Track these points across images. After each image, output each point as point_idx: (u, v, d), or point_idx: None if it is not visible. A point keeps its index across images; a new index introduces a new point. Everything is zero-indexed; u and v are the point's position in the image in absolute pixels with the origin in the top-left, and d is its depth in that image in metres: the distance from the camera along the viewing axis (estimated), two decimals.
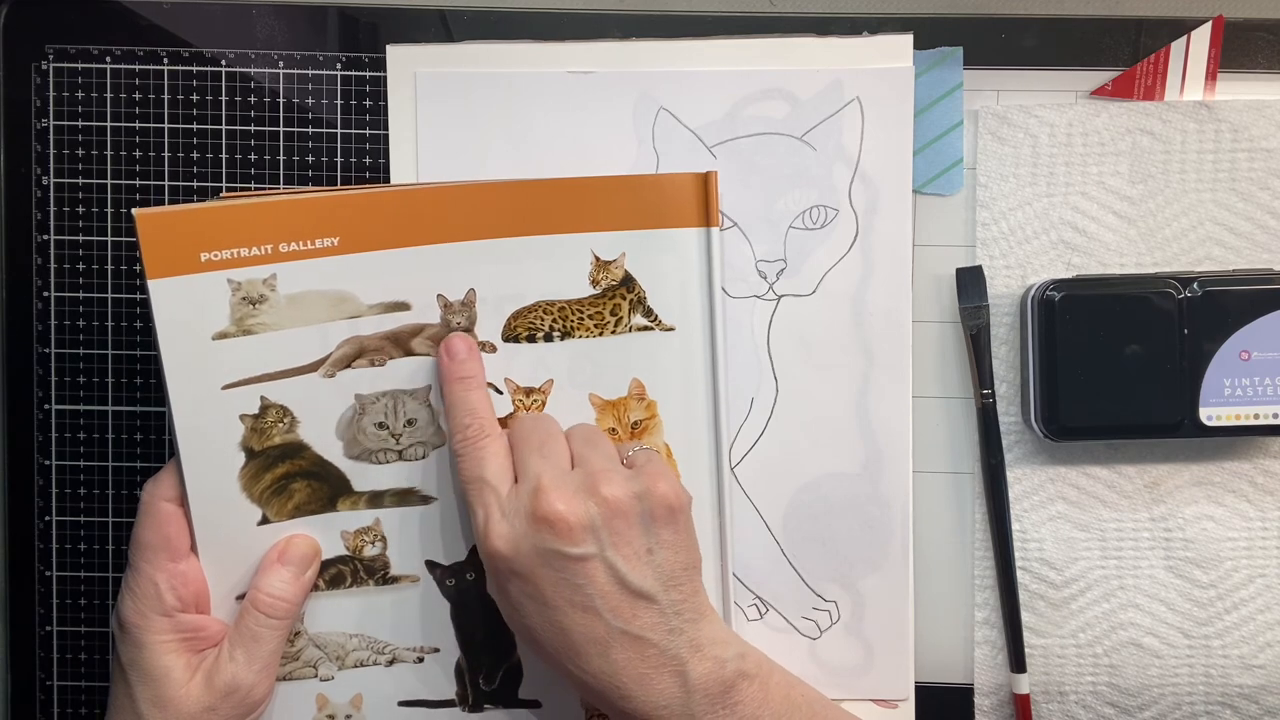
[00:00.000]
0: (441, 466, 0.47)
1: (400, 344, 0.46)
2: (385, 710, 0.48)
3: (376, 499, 0.47)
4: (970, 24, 0.50)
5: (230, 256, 0.43)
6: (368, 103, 0.50)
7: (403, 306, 0.46)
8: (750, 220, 0.49)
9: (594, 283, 0.47)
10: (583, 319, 0.47)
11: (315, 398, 0.45)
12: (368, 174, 0.50)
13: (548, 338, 0.47)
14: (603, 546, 0.40)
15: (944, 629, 0.51)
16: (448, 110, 0.49)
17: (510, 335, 0.47)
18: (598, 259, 0.46)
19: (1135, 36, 0.50)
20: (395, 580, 0.47)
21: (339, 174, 0.50)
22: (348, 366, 0.45)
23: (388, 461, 0.46)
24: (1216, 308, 0.47)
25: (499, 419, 0.47)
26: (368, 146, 0.50)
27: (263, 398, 0.45)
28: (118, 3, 0.50)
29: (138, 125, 0.50)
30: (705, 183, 0.46)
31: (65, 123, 0.50)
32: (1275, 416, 0.47)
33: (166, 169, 0.50)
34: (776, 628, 0.50)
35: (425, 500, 0.47)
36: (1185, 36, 0.49)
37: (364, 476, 0.46)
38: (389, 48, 0.49)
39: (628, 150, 0.49)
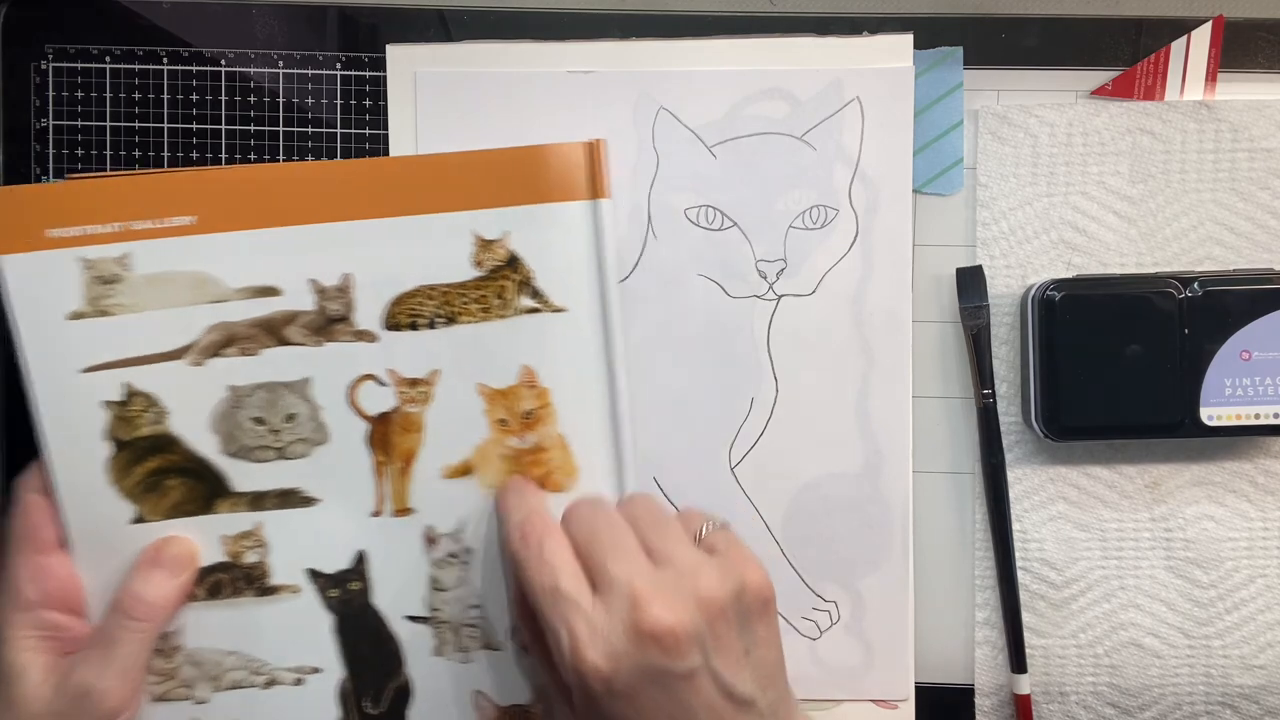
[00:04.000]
0: (326, 466, 0.45)
1: (273, 332, 0.44)
2: None
3: (258, 500, 0.45)
4: (970, 24, 0.50)
5: (79, 234, 0.43)
6: (367, 102, 0.50)
7: (272, 291, 0.44)
8: (750, 220, 0.49)
9: (478, 264, 0.44)
10: (467, 303, 0.44)
11: (184, 387, 0.44)
12: None
13: (431, 324, 0.44)
14: (707, 656, 0.37)
15: (944, 629, 0.51)
16: (448, 110, 0.49)
17: (392, 323, 0.44)
18: (480, 238, 0.44)
19: (1135, 36, 0.50)
20: (274, 590, 0.45)
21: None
22: (216, 354, 0.44)
23: (268, 460, 0.44)
24: (1217, 308, 0.47)
25: (383, 414, 0.45)
26: (368, 146, 0.50)
27: (127, 384, 0.43)
28: (118, 3, 0.50)
29: (138, 125, 0.50)
30: (592, 152, 0.44)
31: (65, 123, 0.50)
32: (1276, 416, 0.47)
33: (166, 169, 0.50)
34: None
35: (308, 502, 0.45)
36: (1185, 36, 0.49)
37: (244, 476, 0.44)
38: (389, 47, 0.49)
39: (628, 150, 0.49)
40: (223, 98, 0.50)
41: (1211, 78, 0.49)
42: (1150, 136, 0.49)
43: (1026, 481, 0.50)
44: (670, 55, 0.49)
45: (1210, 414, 0.47)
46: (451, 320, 0.44)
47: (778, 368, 0.49)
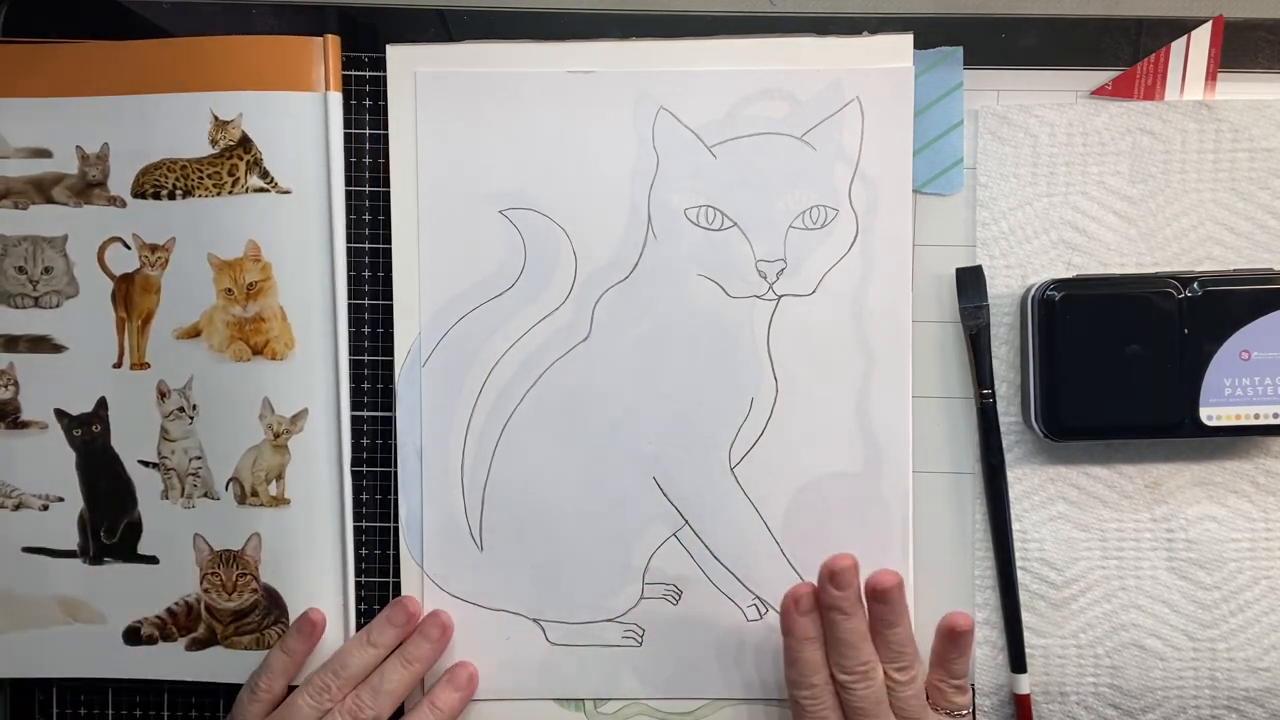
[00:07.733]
0: (75, 317, 0.50)
1: (42, 190, 0.49)
2: (8, 554, 0.51)
3: (12, 343, 0.50)
4: (970, 24, 0.50)
5: None
6: (367, 103, 0.50)
7: (45, 154, 0.49)
8: (750, 220, 0.49)
9: (213, 142, 0.48)
10: (202, 178, 0.49)
11: None
12: (368, 173, 0.50)
13: (171, 195, 0.49)
14: None
15: None
16: (448, 110, 0.49)
17: (138, 191, 0.49)
18: (216, 118, 0.48)
19: (1135, 36, 0.50)
20: (25, 426, 0.50)
21: (339, 173, 0.50)
22: None
23: (24, 307, 0.49)
24: (1216, 308, 0.47)
25: (126, 274, 0.49)
26: (367, 146, 0.50)
27: None
28: (118, 2, 0.50)
29: None
30: (326, 47, 0.48)
31: None
32: (1276, 416, 0.47)
33: None
34: (776, 628, 0.50)
35: (57, 349, 0.50)
36: (1185, 36, 0.49)
37: (1, 319, 0.50)
38: (389, 48, 0.49)
39: (628, 150, 0.49)
40: None
41: (1211, 78, 0.49)
42: (1150, 136, 0.49)
43: (1026, 481, 0.50)
44: (670, 55, 0.49)
45: (1210, 414, 0.47)
46: (188, 193, 0.49)
47: (778, 368, 0.49)
